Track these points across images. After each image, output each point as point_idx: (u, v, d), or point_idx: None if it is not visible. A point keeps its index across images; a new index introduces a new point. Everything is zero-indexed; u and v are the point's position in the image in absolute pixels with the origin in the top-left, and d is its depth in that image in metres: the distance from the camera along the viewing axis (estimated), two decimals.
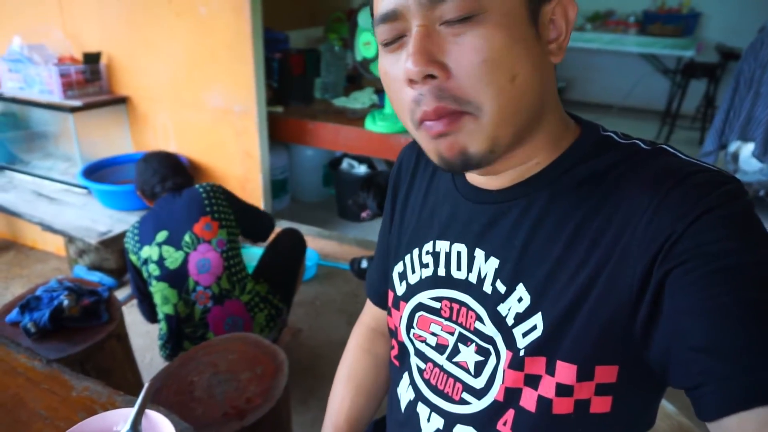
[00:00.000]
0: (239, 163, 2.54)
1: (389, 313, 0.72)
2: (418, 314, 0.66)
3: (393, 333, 0.71)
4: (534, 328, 0.53)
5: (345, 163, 3.04)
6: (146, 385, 0.72)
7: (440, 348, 0.63)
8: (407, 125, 0.53)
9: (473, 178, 0.61)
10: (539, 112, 0.52)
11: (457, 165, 0.51)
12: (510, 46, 0.46)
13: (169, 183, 1.65)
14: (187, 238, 1.55)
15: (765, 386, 0.39)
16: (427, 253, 0.65)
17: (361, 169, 3.00)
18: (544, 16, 0.50)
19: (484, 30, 0.46)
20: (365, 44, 2.19)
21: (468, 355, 0.59)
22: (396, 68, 0.51)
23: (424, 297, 0.65)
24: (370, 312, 0.86)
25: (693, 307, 0.43)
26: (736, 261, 0.42)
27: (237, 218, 1.67)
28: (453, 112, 0.48)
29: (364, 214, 2.26)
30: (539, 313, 0.52)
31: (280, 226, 2.55)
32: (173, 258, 1.55)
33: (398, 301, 0.69)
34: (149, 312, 1.66)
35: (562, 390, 0.51)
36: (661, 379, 0.48)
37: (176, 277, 1.55)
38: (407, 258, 0.68)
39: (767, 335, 0.40)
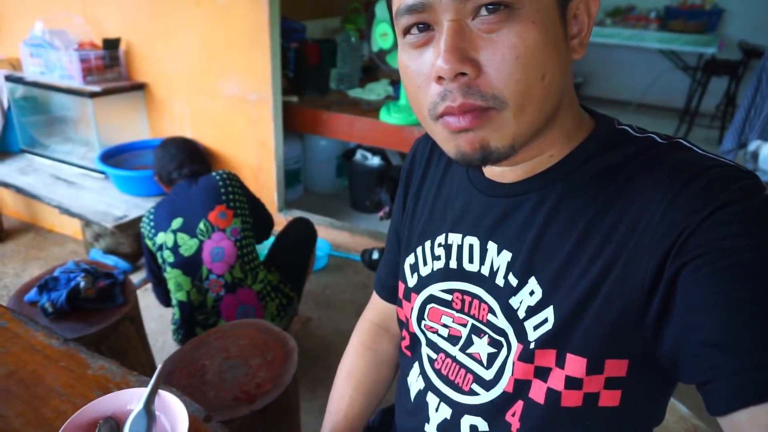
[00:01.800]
0: (253, 151, 2.55)
1: (400, 305, 0.72)
2: (429, 306, 0.66)
3: (404, 324, 0.72)
4: (545, 321, 0.53)
5: (358, 155, 3.04)
6: (159, 366, 0.73)
7: (453, 339, 0.63)
8: (423, 118, 0.52)
9: (488, 170, 0.61)
10: (558, 108, 0.52)
11: (476, 160, 0.50)
12: (543, 45, 0.46)
13: (185, 170, 1.67)
14: (201, 225, 1.57)
15: None
16: (440, 245, 0.65)
17: (375, 161, 3.00)
18: (569, 11, 0.49)
19: (519, 27, 0.45)
20: (382, 35, 2.19)
21: (481, 346, 0.60)
22: (419, 63, 0.50)
23: (435, 289, 0.65)
24: (374, 307, 0.86)
25: (705, 302, 0.42)
26: (750, 257, 0.42)
27: (250, 209, 1.68)
28: (478, 108, 0.47)
29: (381, 213, 2.25)
30: (551, 307, 0.52)
31: (293, 215, 2.56)
32: (188, 245, 1.56)
33: (409, 292, 0.69)
34: (164, 296, 1.69)
35: (572, 383, 0.51)
36: (671, 375, 0.48)
37: (190, 265, 1.57)
38: (419, 250, 0.68)
39: None
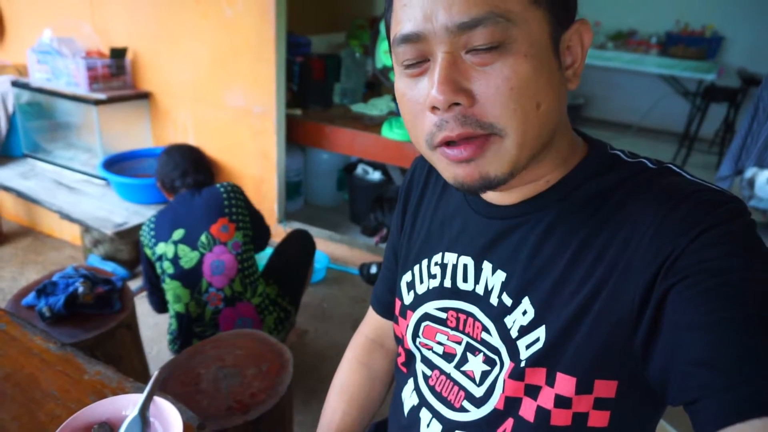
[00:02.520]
0: (255, 163, 2.57)
1: (396, 322, 0.73)
2: (423, 324, 0.67)
3: (400, 340, 0.73)
4: (537, 340, 0.54)
5: (359, 169, 3.07)
6: (156, 373, 0.74)
7: (447, 356, 0.64)
8: (420, 146, 0.53)
9: (485, 194, 0.62)
10: (554, 135, 0.54)
11: (476, 188, 0.51)
12: (537, 76, 0.47)
13: (189, 179, 1.66)
14: (203, 238, 1.57)
15: (761, 398, 0.39)
16: (436, 264, 0.66)
17: (376, 176, 3.02)
18: (562, 43, 0.51)
19: (512, 60, 0.46)
20: (386, 52, 2.22)
21: (475, 364, 0.60)
22: (416, 92, 0.51)
23: (430, 307, 0.66)
24: (370, 322, 0.86)
25: (693, 321, 0.43)
26: (736, 277, 0.43)
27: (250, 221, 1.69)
28: (476, 136, 0.48)
29: (377, 239, 2.22)
30: (543, 326, 0.53)
31: (292, 227, 2.57)
32: (188, 258, 1.56)
33: (405, 310, 0.70)
34: (159, 303, 1.68)
35: (561, 402, 0.52)
36: (660, 397, 0.49)
37: (190, 277, 1.56)
38: (416, 268, 0.69)
39: (765, 348, 0.41)
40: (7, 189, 2.55)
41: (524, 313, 0.55)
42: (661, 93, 5.15)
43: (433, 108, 0.48)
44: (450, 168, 0.52)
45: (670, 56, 4.89)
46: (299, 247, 1.88)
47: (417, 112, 0.51)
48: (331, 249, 2.66)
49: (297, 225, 2.65)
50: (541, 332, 0.53)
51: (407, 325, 0.70)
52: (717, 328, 0.42)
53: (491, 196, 0.61)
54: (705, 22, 4.99)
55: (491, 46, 0.46)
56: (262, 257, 2.15)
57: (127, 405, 0.70)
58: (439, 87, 0.47)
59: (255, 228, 1.71)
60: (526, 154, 0.50)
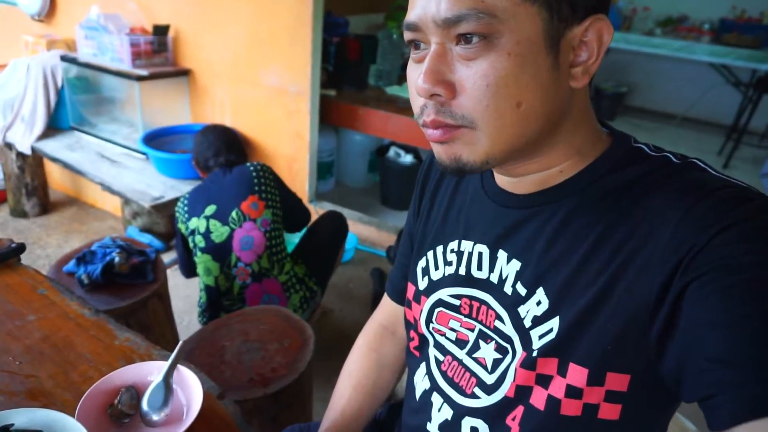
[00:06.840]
0: (289, 142, 2.60)
1: (408, 306, 0.74)
2: (437, 310, 0.68)
3: (412, 325, 0.73)
4: (550, 331, 0.54)
5: (392, 151, 3.07)
6: (180, 342, 0.77)
7: (460, 343, 0.65)
8: (418, 123, 0.57)
9: (500, 180, 0.62)
10: (549, 131, 0.53)
11: (452, 170, 0.54)
12: (518, 75, 0.48)
13: (222, 158, 1.72)
14: (234, 214, 1.62)
15: None
16: (452, 251, 0.67)
17: (408, 159, 3.01)
18: (571, 40, 0.50)
19: (494, 57, 0.47)
20: None
21: (487, 351, 0.61)
22: (413, 75, 0.54)
23: (444, 294, 0.67)
24: (384, 309, 0.88)
25: (710, 318, 0.43)
26: (756, 274, 0.42)
27: (281, 201, 1.72)
28: (448, 125, 0.51)
29: None
30: (556, 317, 0.54)
31: (323, 207, 2.60)
32: (219, 232, 1.61)
33: (419, 295, 0.71)
34: (187, 269, 1.74)
35: (572, 392, 0.52)
36: (673, 394, 0.49)
37: (220, 251, 1.62)
38: (430, 254, 0.70)
39: None
40: (54, 160, 2.66)
41: (538, 303, 0.55)
42: (711, 83, 4.92)
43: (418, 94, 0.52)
44: (433, 147, 0.55)
45: (723, 44, 4.66)
46: (331, 230, 1.91)
47: (413, 92, 0.54)
48: (360, 230, 2.68)
49: (328, 205, 2.68)
50: (554, 323, 0.54)
51: (421, 310, 0.70)
52: (734, 325, 0.42)
53: (505, 184, 0.61)
54: (763, 8, 4.72)
55: (475, 33, 0.47)
56: (298, 236, 2.18)
57: (152, 371, 0.74)
58: (423, 77, 0.50)
59: (287, 207, 1.74)
60: (501, 148, 0.51)
